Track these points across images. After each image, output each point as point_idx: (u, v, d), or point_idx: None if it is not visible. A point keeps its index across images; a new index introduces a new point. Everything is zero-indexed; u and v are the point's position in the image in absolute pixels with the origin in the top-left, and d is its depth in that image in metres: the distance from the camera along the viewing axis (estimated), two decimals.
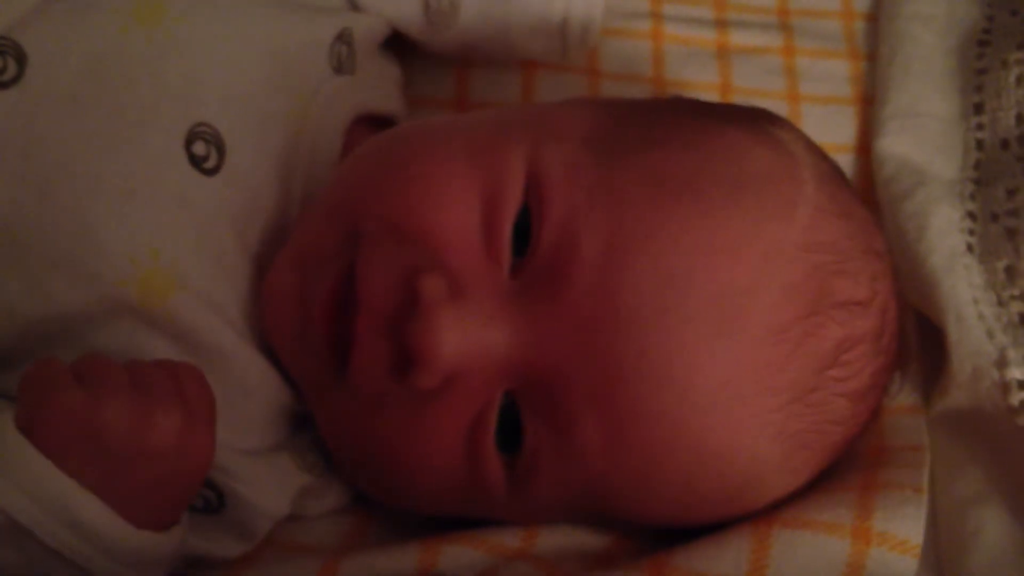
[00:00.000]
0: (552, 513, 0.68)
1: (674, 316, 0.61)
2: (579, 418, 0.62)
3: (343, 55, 0.76)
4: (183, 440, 0.59)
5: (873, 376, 0.68)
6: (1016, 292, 0.79)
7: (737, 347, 0.62)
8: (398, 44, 0.85)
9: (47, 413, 0.57)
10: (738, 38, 0.96)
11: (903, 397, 0.79)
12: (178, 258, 0.66)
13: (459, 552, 0.67)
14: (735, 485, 0.65)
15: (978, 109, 0.88)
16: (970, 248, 0.81)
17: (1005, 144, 0.86)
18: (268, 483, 0.68)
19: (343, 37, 0.76)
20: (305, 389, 0.69)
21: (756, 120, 0.71)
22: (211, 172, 0.68)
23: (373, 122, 0.79)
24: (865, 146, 0.91)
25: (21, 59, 0.65)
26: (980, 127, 0.88)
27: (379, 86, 0.81)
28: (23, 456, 0.56)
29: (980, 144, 0.87)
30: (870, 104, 0.93)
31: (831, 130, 0.91)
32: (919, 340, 0.82)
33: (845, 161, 0.89)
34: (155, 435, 0.58)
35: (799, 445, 0.66)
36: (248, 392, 0.68)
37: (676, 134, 0.67)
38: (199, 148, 0.67)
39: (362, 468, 0.69)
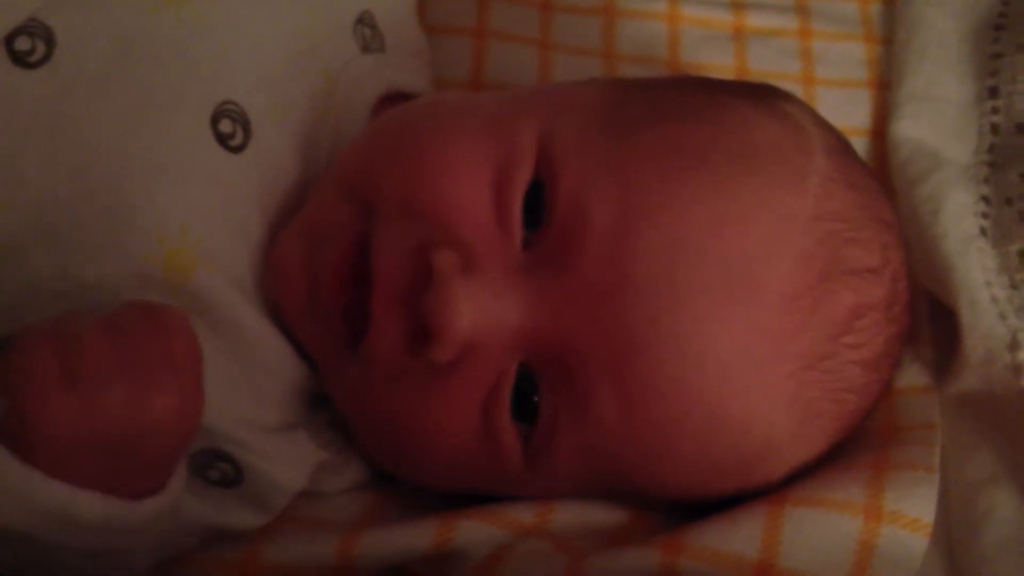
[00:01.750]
0: (568, 486, 0.69)
1: (686, 284, 0.61)
2: (594, 388, 0.63)
3: (367, 36, 0.77)
4: (181, 411, 0.58)
5: (886, 344, 0.69)
6: None
7: (750, 314, 0.62)
8: None
9: (40, 424, 0.55)
10: (754, 20, 0.96)
11: (915, 377, 0.79)
12: (205, 235, 0.66)
13: (475, 527, 0.68)
14: (751, 454, 0.66)
15: (993, 93, 0.89)
16: (984, 232, 0.82)
17: (1020, 128, 0.86)
18: (285, 458, 0.68)
19: (364, 19, 0.77)
20: (320, 364, 0.70)
21: (765, 95, 0.71)
22: (237, 150, 0.68)
23: (400, 100, 0.79)
24: (880, 130, 0.91)
25: (50, 40, 0.65)
26: (995, 111, 0.88)
27: (406, 63, 0.81)
28: (16, 470, 0.55)
29: (995, 128, 0.87)
30: (886, 88, 0.93)
31: (846, 113, 0.91)
32: (932, 322, 0.82)
33: (860, 144, 0.89)
34: (154, 417, 0.57)
35: (814, 413, 0.66)
36: (268, 369, 0.69)
37: (686, 108, 0.67)
38: (225, 126, 0.68)
39: (378, 442, 0.69)
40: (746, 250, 0.62)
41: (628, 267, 0.61)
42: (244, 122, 0.69)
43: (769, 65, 0.94)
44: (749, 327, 0.62)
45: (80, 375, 0.55)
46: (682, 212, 0.62)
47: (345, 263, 0.65)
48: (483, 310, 0.62)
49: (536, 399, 0.64)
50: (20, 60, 0.65)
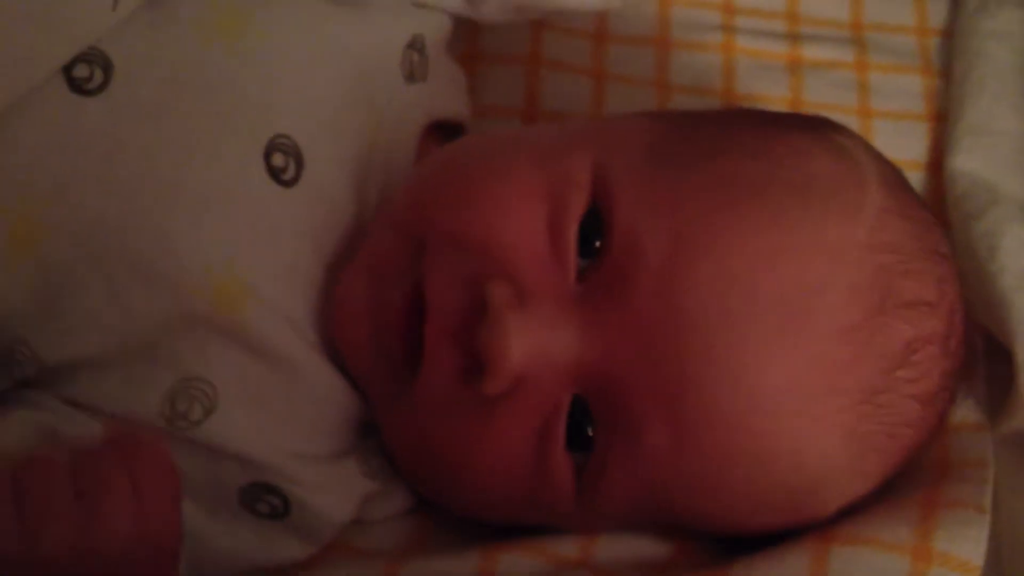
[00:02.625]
0: (617, 518, 0.68)
1: (739, 317, 0.61)
2: (646, 421, 0.62)
3: (415, 62, 0.77)
4: (137, 535, 0.58)
5: (942, 378, 0.68)
6: None
7: (804, 347, 0.62)
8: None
9: None
10: (810, 52, 0.95)
11: (968, 414, 0.78)
12: (253, 268, 0.67)
13: (517, 560, 0.68)
14: (802, 488, 0.65)
15: None
16: None
17: None
18: (333, 490, 0.69)
19: (415, 44, 0.77)
20: (372, 398, 0.70)
21: (818, 126, 0.71)
22: (289, 184, 0.69)
23: (442, 128, 0.80)
24: (937, 163, 0.90)
25: (107, 68, 0.66)
26: None
27: (448, 91, 0.82)
28: None
29: None
30: (943, 121, 0.92)
31: (903, 146, 0.90)
32: (987, 359, 0.81)
33: (916, 178, 0.88)
34: (104, 537, 0.57)
35: (869, 448, 0.65)
36: (316, 400, 0.69)
37: (739, 142, 0.67)
38: (277, 159, 0.68)
39: (428, 475, 0.69)
40: (800, 283, 0.62)
41: (681, 300, 0.61)
42: (296, 155, 0.69)
43: (824, 97, 0.93)
44: (803, 360, 0.62)
45: (30, 503, 0.56)
46: (735, 245, 0.62)
47: (406, 302, 0.65)
48: (536, 343, 0.62)
49: (589, 431, 0.64)
50: (78, 87, 0.66)
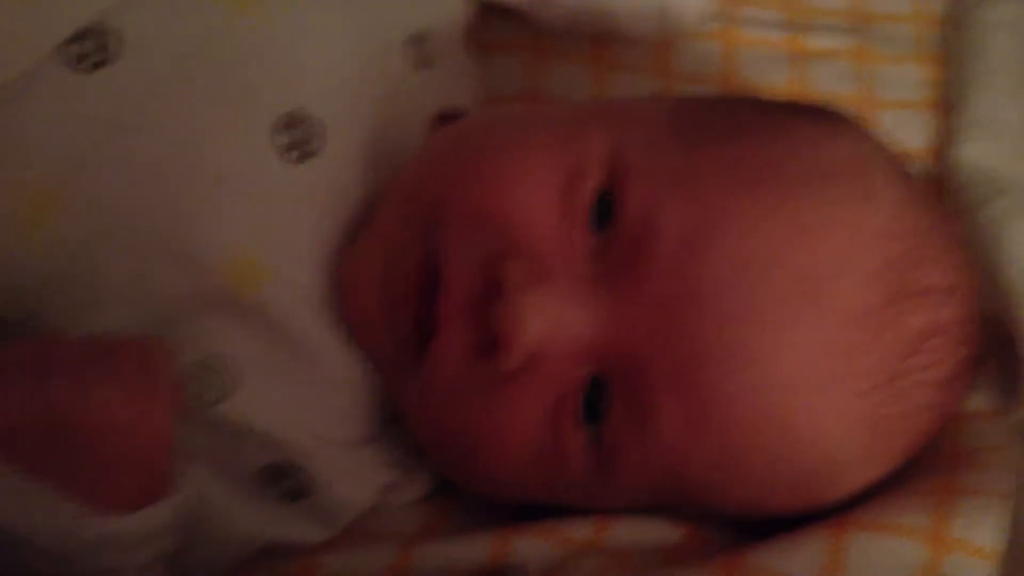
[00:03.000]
0: (630, 496, 0.69)
1: (755, 298, 0.61)
2: (660, 400, 0.62)
3: (422, 50, 0.77)
4: (131, 412, 0.58)
5: (957, 365, 0.68)
6: None
7: (820, 330, 0.62)
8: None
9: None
10: (811, 41, 0.96)
11: (985, 401, 0.78)
12: (270, 247, 0.67)
13: (532, 544, 0.68)
14: (816, 471, 0.65)
15: None
16: None
17: None
18: (354, 474, 0.69)
19: (422, 34, 0.77)
20: (387, 374, 0.70)
21: (830, 116, 0.71)
22: (305, 160, 0.68)
23: (453, 119, 0.79)
24: (937, 153, 0.91)
25: (120, 42, 0.66)
26: None
27: (458, 82, 0.81)
28: None
29: None
30: (944, 110, 0.92)
31: (905, 136, 0.90)
32: (998, 348, 0.81)
33: (918, 167, 0.89)
34: (96, 414, 0.57)
35: (883, 432, 0.66)
36: (335, 383, 0.69)
37: (757, 125, 0.67)
38: (294, 136, 0.68)
39: (443, 451, 0.69)
40: (817, 266, 0.62)
41: (697, 280, 0.61)
42: (313, 132, 0.69)
43: (826, 86, 0.93)
44: (818, 344, 0.62)
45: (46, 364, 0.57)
46: (753, 226, 0.62)
47: (419, 275, 0.65)
48: (551, 320, 0.62)
49: (603, 408, 0.64)
50: (81, 63, 0.65)
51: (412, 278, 0.65)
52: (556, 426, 0.64)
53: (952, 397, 0.70)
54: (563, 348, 0.63)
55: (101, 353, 0.59)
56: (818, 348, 0.62)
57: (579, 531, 0.69)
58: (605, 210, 0.64)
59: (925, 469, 0.71)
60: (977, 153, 0.88)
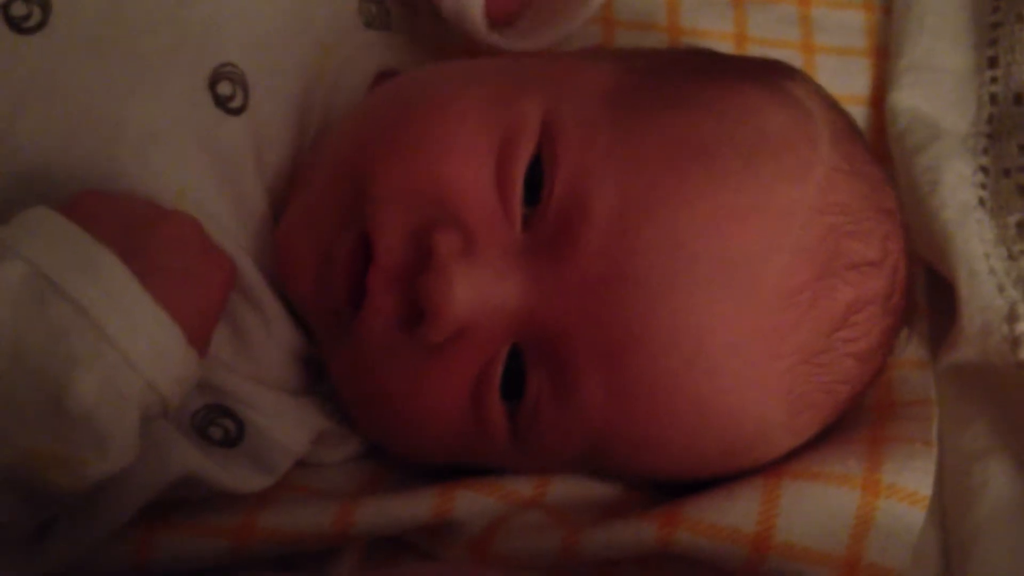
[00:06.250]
0: (556, 463, 0.69)
1: (684, 280, 0.61)
2: (583, 375, 0.63)
3: (372, 12, 0.76)
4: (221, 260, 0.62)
5: (881, 336, 0.69)
6: None
7: (746, 311, 0.62)
8: None
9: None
10: None
11: (912, 351, 0.79)
12: (203, 198, 0.66)
13: (473, 498, 0.68)
14: (739, 445, 0.66)
15: (992, 63, 0.88)
16: (982, 203, 0.82)
17: (1018, 99, 0.86)
18: (287, 417, 0.69)
19: None
20: (319, 337, 0.70)
21: (772, 75, 0.70)
22: (237, 111, 0.68)
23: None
24: (879, 98, 0.91)
25: (46, 6, 0.65)
26: (994, 81, 0.88)
27: (411, 45, 0.80)
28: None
29: (993, 98, 0.87)
30: (885, 56, 0.92)
31: (845, 81, 0.90)
32: (929, 293, 0.82)
33: (859, 113, 0.89)
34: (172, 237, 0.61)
35: (806, 405, 0.66)
36: (269, 330, 0.69)
37: (692, 95, 0.66)
38: (224, 88, 0.68)
39: (371, 417, 0.69)
40: (745, 247, 0.62)
41: (626, 261, 0.61)
42: (243, 84, 0.68)
43: (768, 32, 0.93)
44: (744, 325, 0.62)
45: None
46: (682, 208, 0.62)
47: (351, 244, 0.64)
48: (480, 293, 0.62)
49: (526, 380, 0.64)
50: (16, 25, 0.65)
51: (346, 248, 0.64)
52: (478, 395, 0.64)
53: (875, 366, 0.70)
54: (489, 320, 0.63)
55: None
56: (743, 330, 0.62)
57: (520, 487, 0.69)
58: (538, 181, 0.64)
59: (857, 420, 0.72)
60: (913, 98, 0.88)
